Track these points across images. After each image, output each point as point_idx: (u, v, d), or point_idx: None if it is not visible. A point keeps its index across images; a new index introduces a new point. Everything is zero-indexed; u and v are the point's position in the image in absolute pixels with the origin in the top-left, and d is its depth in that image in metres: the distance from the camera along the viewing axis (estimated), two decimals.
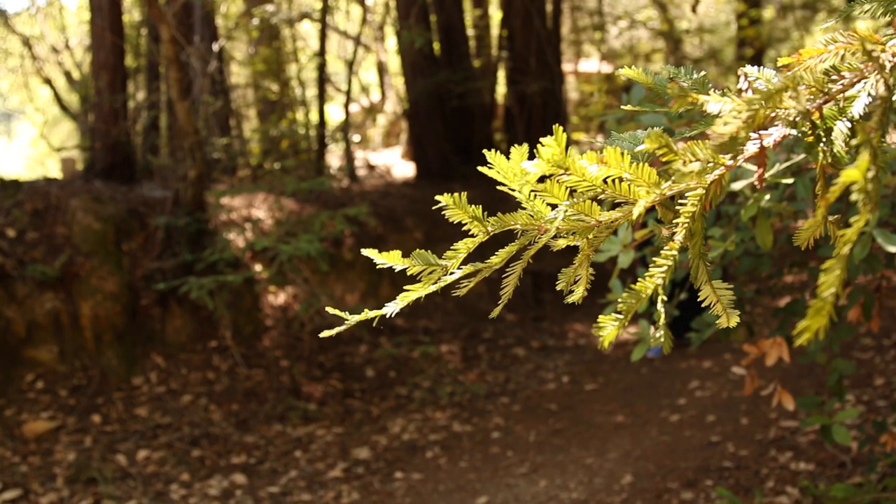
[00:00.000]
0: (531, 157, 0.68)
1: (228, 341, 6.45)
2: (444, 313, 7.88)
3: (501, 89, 11.55)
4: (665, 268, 0.63)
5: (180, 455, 5.31)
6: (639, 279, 0.64)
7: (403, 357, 6.96)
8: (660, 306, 0.65)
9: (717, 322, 0.70)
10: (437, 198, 0.71)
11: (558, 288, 0.75)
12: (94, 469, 4.98)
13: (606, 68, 14.42)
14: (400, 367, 6.85)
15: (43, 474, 4.93)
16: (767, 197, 2.10)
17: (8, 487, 4.75)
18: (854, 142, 0.53)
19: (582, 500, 4.18)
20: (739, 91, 0.70)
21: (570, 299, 0.75)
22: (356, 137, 13.02)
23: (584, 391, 6.18)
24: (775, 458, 4.14)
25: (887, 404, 4.47)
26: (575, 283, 0.73)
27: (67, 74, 10.93)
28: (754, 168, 1.87)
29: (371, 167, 10.83)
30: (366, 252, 0.73)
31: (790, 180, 2.07)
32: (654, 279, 0.62)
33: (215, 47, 9.24)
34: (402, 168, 11.72)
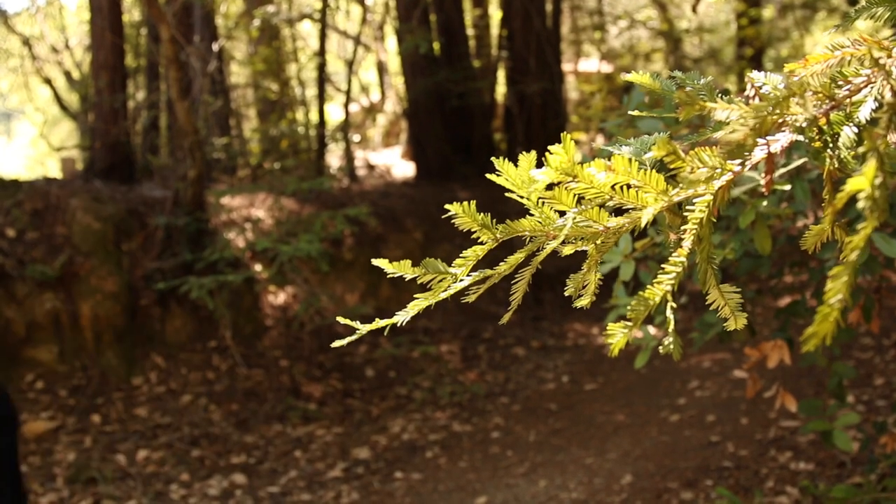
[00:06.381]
0: (539, 164, 0.68)
1: (228, 341, 6.45)
2: (444, 313, 7.88)
3: (501, 89, 11.55)
4: (674, 274, 0.63)
5: (180, 455, 5.31)
6: (647, 286, 0.64)
7: (403, 357, 6.96)
8: (669, 313, 0.65)
9: (725, 325, 0.71)
10: (447, 206, 0.71)
11: (567, 294, 0.76)
12: (94, 469, 4.98)
13: (606, 68, 14.42)
14: (400, 367, 6.85)
15: (43, 474, 4.93)
16: (765, 203, 2.10)
17: None
18: (861, 149, 0.53)
19: (582, 500, 4.18)
20: (747, 98, 0.70)
21: (578, 304, 0.75)
22: (356, 137, 13.02)
23: (584, 391, 6.18)
24: (775, 457, 4.15)
25: (887, 404, 4.47)
26: (583, 288, 0.73)
27: (67, 74, 10.94)
28: (753, 174, 1.87)
29: (371, 167, 10.83)
30: (376, 262, 0.73)
31: (787, 186, 2.07)
32: (662, 286, 0.63)
33: (215, 47, 9.24)
34: (401, 168, 11.71)
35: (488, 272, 0.74)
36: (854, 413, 2.50)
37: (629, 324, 0.64)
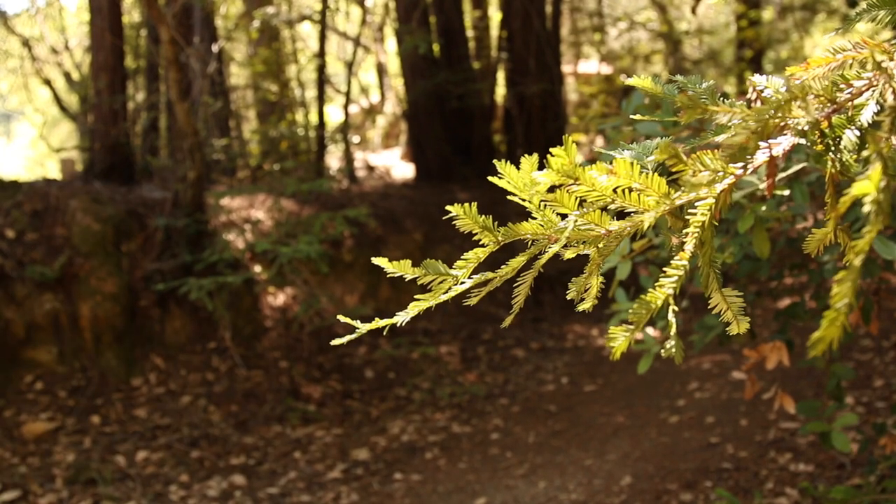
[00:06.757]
0: (539, 166, 0.68)
1: (228, 342, 6.45)
2: (444, 314, 7.88)
3: (501, 90, 11.55)
4: (675, 278, 0.63)
5: (179, 456, 5.31)
6: (648, 290, 0.64)
7: (403, 358, 6.96)
8: (671, 316, 0.65)
9: (727, 329, 0.71)
10: (448, 208, 0.71)
11: (569, 297, 0.76)
12: (94, 470, 4.98)
13: (606, 70, 14.43)
14: (399, 369, 6.85)
15: (42, 475, 4.93)
16: (763, 208, 2.10)
17: (7, 488, 4.74)
18: (864, 153, 0.53)
19: (581, 502, 4.18)
20: (748, 101, 0.70)
21: (581, 308, 0.75)
22: (356, 139, 13.03)
23: (584, 392, 6.18)
24: (775, 459, 4.15)
25: (886, 406, 4.47)
26: (585, 291, 0.73)
27: (67, 75, 10.94)
28: (752, 178, 1.87)
29: (370, 168, 10.83)
30: (376, 260, 0.73)
31: (787, 191, 2.07)
32: (664, 289, 0.63)
33: (215, 48, 9.24)
34: (401, 169, 11.72)
35: (490, 275, 0.74)
36: (853, 414, 2.50)
37: (630, 327, 0.63)
